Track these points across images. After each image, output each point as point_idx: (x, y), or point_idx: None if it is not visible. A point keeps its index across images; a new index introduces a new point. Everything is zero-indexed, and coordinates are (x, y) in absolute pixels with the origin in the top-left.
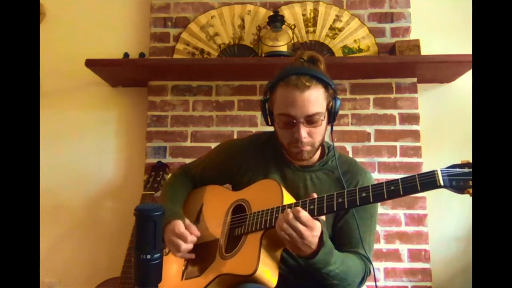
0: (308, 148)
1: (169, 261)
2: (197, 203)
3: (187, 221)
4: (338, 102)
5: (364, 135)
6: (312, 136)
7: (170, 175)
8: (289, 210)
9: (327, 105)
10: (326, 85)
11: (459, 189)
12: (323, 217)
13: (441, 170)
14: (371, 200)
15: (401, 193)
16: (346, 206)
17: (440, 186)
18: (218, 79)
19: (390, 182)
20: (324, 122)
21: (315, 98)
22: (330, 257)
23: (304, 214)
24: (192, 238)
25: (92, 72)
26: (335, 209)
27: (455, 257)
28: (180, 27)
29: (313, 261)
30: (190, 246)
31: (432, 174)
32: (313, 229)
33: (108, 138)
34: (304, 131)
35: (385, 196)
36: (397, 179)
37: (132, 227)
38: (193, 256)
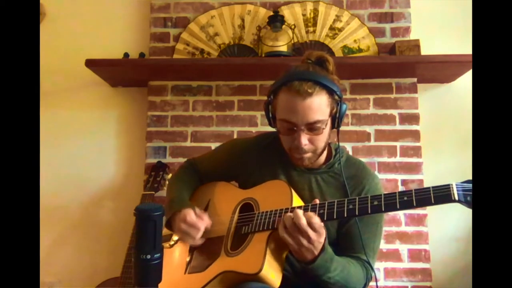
0: (309, 154)
1: (173, 254)
2: (204, 198)
3: (198, 209)
4: (344, 107)
5: (364, 135)
6: (313, 143)
7: (177, 168)
8: (300, 214)
9: (331, 111)
10: (330, 91)
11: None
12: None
13: (456, 185)
14: (383, 209)
15: (414, 204)
16: (357, 213)
17: (454, 201)
18: (218, 79)
19: (403, 193)
20: (327, 129)
21: (317, 106)
22: (330, 264)
23: (317, 221)
24: (204, 226)
25: (92, 72)
26: (345, 215)
27: (455, 257)
28: (180, 27)
29: (312, 267)
30: (201, 234)
31: (447, 188)
32: (321, 236)
33: (108, 138)
34: (304, 138)
35: (398, 207)
36: (411, 190)
37: (132, 227)
38: (202, 241)
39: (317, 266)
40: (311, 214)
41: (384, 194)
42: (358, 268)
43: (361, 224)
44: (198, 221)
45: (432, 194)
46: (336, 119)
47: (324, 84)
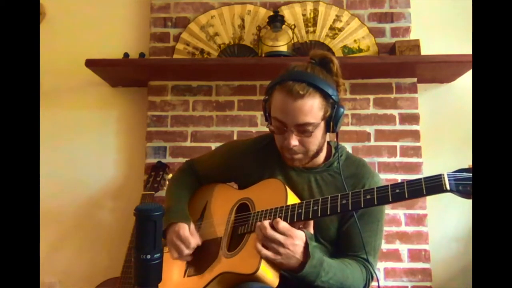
0: (300, 156)
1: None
2: (202, 201)
3: (192, 226)
4: (341, 111)
5: (364, 135)
6: (303, 145)
7: (176, 170)
8: (265, 224)
9: (324, 114)
10: (324, 94)
11: (466, 194)
12: (311, 230)
13: (447, 174)
14: (376, 203)
15: (406, 196)
16: (350, 208)
17: (446, 191)
18: (218, 79)
19: (395, 185)
20: (319, 132)
21: (308, 108)
22: (319, 269)
23: (282, 225)
24: (194, 245)
25: (92, 72)
26: (338, 210)
27: (455, 257)
28: (180, 27)
29: (301, 275)
30: (191, 252)
31: (438, 178)
32: (293, 238)
33: (108, 138)
34: (294, 139)
35: (390, 199)
36: (403, 182)
37: (132, 227)
38: (189, 259)
39: (306, 273)
40: (276, 220)
41: (377, 187)
42: (356, 269)
43: (361, 223)
44: (190, 237)
45: (423, 185)
46: (331, 123)
47: (318, 86)
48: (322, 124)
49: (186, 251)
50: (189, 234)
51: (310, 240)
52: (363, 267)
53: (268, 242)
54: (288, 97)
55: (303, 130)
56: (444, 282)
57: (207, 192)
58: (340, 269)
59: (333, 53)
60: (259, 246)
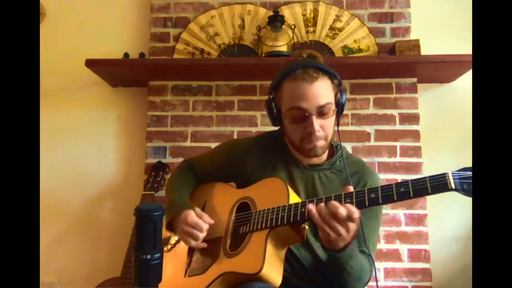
0: (321, 142)
1: (172, 257)
2: (200, 200)
3: (198, 209)
4: (344, 95)
5: (364, 135)
6: (324, 130)
7: (174, 169)
8: (343, 208)
9: (335, 96)
10: (331, 77)
11: (471, 193)
12: None
13: (452, 173)
14: (380, 201)
15: (411, 195)
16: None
17: (451, 189)
18: (218, 79)
19: (400, 184)
20: (334, 114)
21: (324, 89)
22: (355, 252)
23: (353, 209)
24: (206, 226)
25: (92, 72)
26: None
27: (455, 257)
28: (180, 27)
29: (341, 254)
30: (205, 234)
31: (443, 177)
32: (356, 225)
33: (108, 138)
34: (317, 123)
35: (395, 198)
36: (407, 181)
37: (132, 227)
38: (205, 245)
39: (346, 254)
40: (352, 210)
41: (381, 186)
42: (366, 260)
43: (363, 218)
44: (200, 221)
45: (428, 184)
46: (339, 106)
47: (324, 69)
48: (335, 106)
49: (201, 234)
50: (198, 219)
51: None
52: (369, 260)
53: (332, 221)
54: (304, 83)
55: (324, 111)
56: (444, 282)
57: (205, 191)
58: (359, 257)
59: (333, 53)
60: (320, 221)
